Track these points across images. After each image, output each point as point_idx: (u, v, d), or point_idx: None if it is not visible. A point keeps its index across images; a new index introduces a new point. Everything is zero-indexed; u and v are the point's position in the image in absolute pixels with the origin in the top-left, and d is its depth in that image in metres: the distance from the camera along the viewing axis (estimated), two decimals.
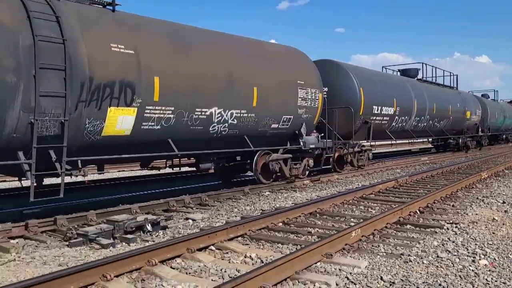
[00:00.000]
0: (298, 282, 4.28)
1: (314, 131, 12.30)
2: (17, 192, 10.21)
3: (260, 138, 10.34)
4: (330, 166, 13.42)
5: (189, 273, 4.65)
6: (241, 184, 11.16)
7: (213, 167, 10.36)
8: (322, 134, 12.91)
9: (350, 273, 4.53)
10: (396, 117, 16.75)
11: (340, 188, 11.10)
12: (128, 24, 7.95)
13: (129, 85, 7.46)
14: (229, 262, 5.02)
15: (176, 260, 5.01)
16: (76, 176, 7.27)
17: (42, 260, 5.23)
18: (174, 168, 10.44)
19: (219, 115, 9.07)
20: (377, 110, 15.31)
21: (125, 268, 4.49)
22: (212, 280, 4.42)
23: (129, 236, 6.19)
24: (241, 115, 9.61)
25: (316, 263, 4.79)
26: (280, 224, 6.83)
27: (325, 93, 13.36)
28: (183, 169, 11.41)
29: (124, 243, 6.02)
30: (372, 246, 5.55)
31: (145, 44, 7.85)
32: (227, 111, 9.23)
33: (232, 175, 12.01)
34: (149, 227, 6.51)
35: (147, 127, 7.88)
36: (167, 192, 10.36)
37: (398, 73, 21.21)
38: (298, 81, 11.12)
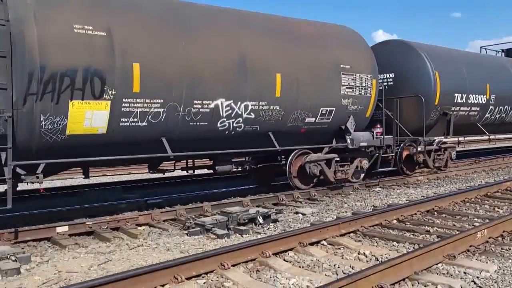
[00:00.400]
0: (418, 283, 4.04)
1: (378, 126, 10.35)
2: (144, 183, 11.21)
3: (291, 135, 8.75)
4: (391, 168, 10.83)
5: (302, 267, 4.66)
6: (278, 189, 9.38)
7: (233, 169, 8.74)
8: (377, 130, 10.56)
9: (477, 277, 4.15)
10: (491, 107, 13.48)
11: (459, 185, 10.28)
12: (103, 1, 6.78)
13: (97, 73, 6.30)
14: (342, 258, 4.93)
15: (288, 253, 5.06)
16: (33, 183, 6.36)
17: (166, 247, 5.65)
18: (188, 171, 8.85)
19: (228, 108, 7.64)
20: (461, 99, 12.30)
21: (241, 258, 4.65)
22: (325, 275, 4.37)
23: (242, 227, 6.41)
24: (260, 108, 8.03)
25: (437, 264, 4.48)
26: (395, 221, 6.52)
27: (390, 79, 11.62)
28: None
29: (237, 234, 6.25)
30: (502, 249, 5.03)
31: (122, 24, 6.67)
32: (239, 103, 7.75)
33: (270, 177, 10.34)
34: (260, 220, 6.67)
35: (128, 123, 6.70)
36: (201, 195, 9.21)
37: (502, 54, 17.66)
38: (341, 65, 9.19)
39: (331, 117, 9.16)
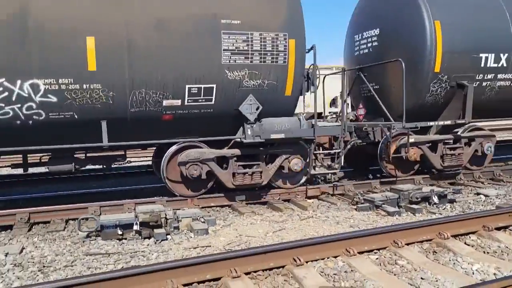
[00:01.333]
0: None
1: (360, 106, 7.59)
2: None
3: (146, 124, 6.28)
4: (336, 170, 7.43)
5: (487, 253, 4.24)
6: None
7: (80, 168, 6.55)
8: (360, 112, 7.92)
9: None
10: None
11: None
12: None
13: None
14: None
15: (470, 237, 4.66)
16: None
17: (335, 220, 5.73)
18: (26, 169, 6.69)
19: (1, 89, 5.47)
20: (491, 62, 7.89)
21: (415, 237, 4.45)
22: None
23: (414, 206, 6.11)
24: (65, 87, 5.68)
25: None
26: None
27: (375, 38, 8.30)
28: None
29: (409, 213, 6.00)
30: None
31: None
32: (19, 82, 5.52)
33: None
34: (435, 199, 6.26)
35: None
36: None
37: None
38: (223, 21, 6.24)
39: (214, 97, 6.39)
